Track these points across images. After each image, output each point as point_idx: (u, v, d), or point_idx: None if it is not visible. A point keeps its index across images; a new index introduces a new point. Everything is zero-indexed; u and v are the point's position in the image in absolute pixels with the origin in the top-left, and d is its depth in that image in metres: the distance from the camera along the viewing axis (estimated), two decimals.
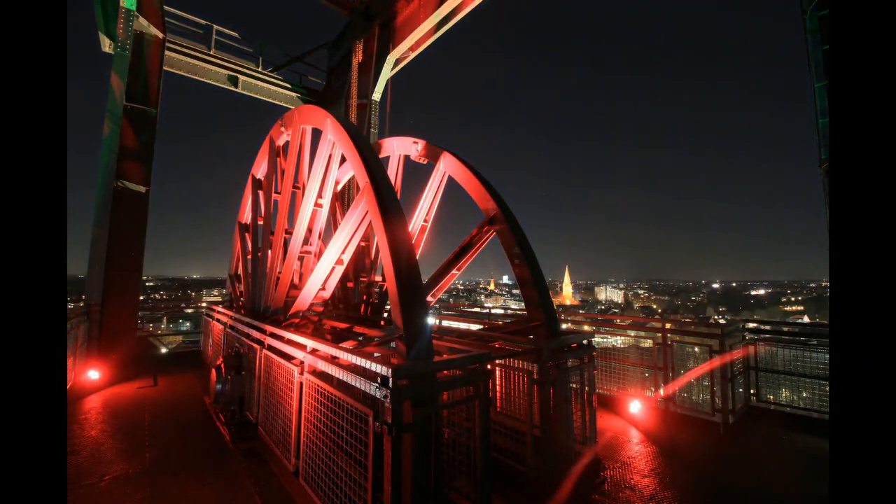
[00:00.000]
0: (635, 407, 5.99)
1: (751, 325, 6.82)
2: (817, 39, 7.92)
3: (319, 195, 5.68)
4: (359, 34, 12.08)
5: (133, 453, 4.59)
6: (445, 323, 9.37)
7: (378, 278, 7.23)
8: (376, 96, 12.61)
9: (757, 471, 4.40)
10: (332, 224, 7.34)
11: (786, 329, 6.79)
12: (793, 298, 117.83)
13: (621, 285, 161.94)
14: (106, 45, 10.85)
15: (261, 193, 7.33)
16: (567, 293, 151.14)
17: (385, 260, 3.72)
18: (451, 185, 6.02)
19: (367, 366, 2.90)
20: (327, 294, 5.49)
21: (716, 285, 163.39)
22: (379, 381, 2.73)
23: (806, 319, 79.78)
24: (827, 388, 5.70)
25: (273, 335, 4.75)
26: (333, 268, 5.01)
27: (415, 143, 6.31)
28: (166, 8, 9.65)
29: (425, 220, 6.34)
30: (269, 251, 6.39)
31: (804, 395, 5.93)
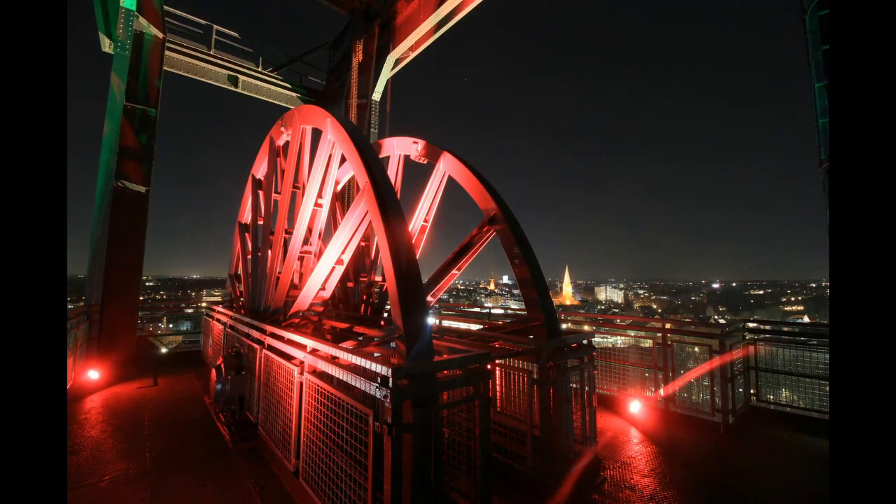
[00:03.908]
0: (635, 407, 5.99)
1: (751, 325, 6.82)
2: (817, 39, 7.93)
3: (319, 195, 5.67)
4: (359, 34, 12.08)
5: (133, 453, 4.59)
6: (445, 323, 9.37)
7: (378, 278, 7.23)
8: (376, 96, 12.62)
9: (757, 471, 4.40)
10: (332, 224, 7.34)
11: (786, 329, 6.78)
12: (793, 298, 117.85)
13: (621, 285, 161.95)
14: (106, 45, 10.86)
15: (261, 193, 7.33)
16: (567, 293, 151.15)
17: (385, 260, 3.72)
18: (451, 185, 6.03)
19: (367, 366, 2.90)
20: (327, 294, 5.48)
21: (716, 285, 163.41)
22: (379, 380, 2.73)
23: (806, 319, 79.79)
24: (827, 388, 5.70)
25: (273, 335, 4.75)
26: (333, 268, 5.01)
27: (415, 143, 6.31)
28: (166, 8, 9.66)
29: (425, 220, 6.34)
30: (269, 251, 6.39)
31: (804, 394, 5.92)
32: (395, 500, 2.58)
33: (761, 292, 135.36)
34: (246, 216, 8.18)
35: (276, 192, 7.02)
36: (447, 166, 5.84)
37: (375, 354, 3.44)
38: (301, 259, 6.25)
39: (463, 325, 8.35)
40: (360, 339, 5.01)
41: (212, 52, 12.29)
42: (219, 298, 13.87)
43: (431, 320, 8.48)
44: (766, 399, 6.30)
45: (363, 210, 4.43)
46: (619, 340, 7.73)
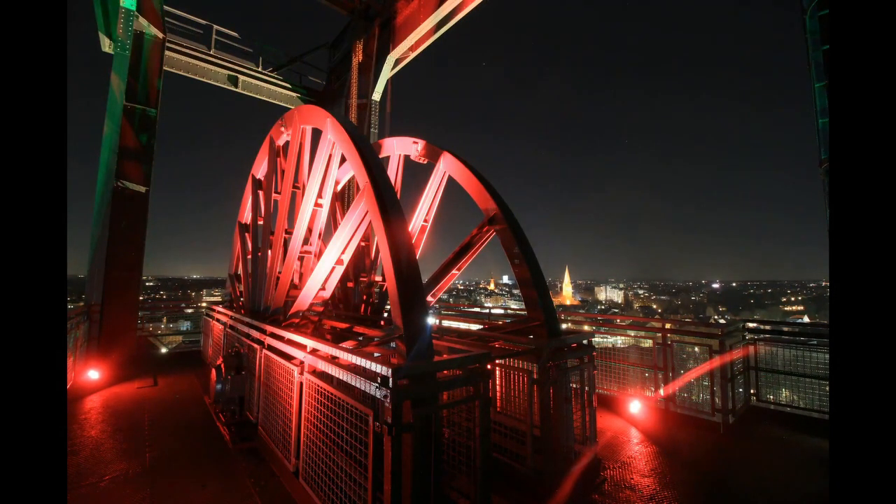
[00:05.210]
0: (635, 407, 5.99)
1: (751, 325, 6.82)
2: (817, 39, 7.93)
3: (319, 195, 5.67)
4: (359, 34, 12.08)
5: (133, 453, 4.58)
6: (445, 323, 9.37)
7: (378, 278, 7.23)
8: (376, 96, 12.62)
9: (757, 471, 4.40)
10: (332, 224, 7.34)
11: (786, 329, 6.78)
12: (793, 298, 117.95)
13: (621, 285, 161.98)
14: (106, 45, 10.86)
15: (261, 193, 7.33)
16: (567, 293, 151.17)
17: (385, 260, 3.72)
18: (451, 185, 6.03)
19: (367, 366, 2.90)
20: (327, 294, 5.49)
21: (716, 285, 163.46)
22: (379, 380, 2.73)
23: (806, 319, 79.79)
24: (827, 388, 5.70)
25: (273, 335, 4.75)
26: (333, 268, 5.01)
27: (415, 143, 6.31)
28: (166, 8, 9.66)
29: (425, 220, 6.34)
30: (269, 251, 6.39)
31: (804, 394, 5.93)
32: (395, 500, 2.58)
33: (761, 292, 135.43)
34: (246, 216, 8.18)
35: (276, 192, 7.02)
36: (447, 166, 5.84)
37: (375, 354, 3.44)
38: (301, 259, 6.26)
39: (463, 325, 8.35)
40: (360, 339, 5.01)
41: (212, 52, 12.29)
42: (219, 298, 13.88)
43: (431, 320, 8.48)
44: (766, 399, 6.30)
45: (363, 210, 4.43)
46: (619, 340, 7.73)
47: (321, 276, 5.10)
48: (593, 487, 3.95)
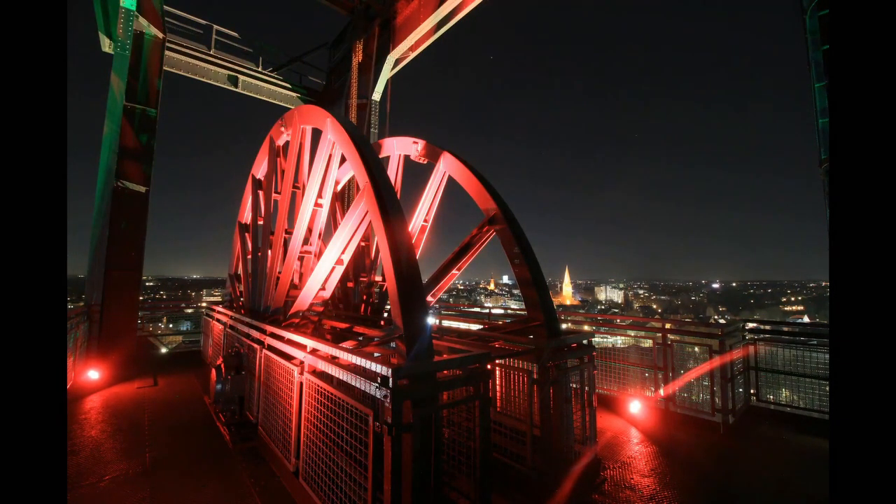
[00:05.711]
0: (635, 407, 5.99)
1: (751, 325, 6.82)
2: (817, 39, 7.93)
3: (319, 195, 5.67)
4: (359, 34, 12.08)
5: (133, 453, 4.59)
6: (445, 323, 9.36)
7: (378, 278, 7.23)
8: (376, 96, 12.62)
9: (757, 471, 4.40)
10: (332, 224, 7.34)
11: (786, 329, 6.79)
12: (793, 298, 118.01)
13: (621, 285, 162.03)
14: (106, 45, 10.86)
15: (261, 193, 7.33)
16: (567, 293, 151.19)
17: (385, 260, 3.72)
18: (451, 185, 6.02)
19: (367, 366, 2.90)
20: (327, 294, 5.48)
21: (716, 285, 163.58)
22: (379, 380, 2.73)
23: (806, 319, 79.82)
24: (827, 388, 5.70)
25: (273, 335, 4.75)
26: (333, 268, 5.01)
27: (415, 143, 6.31)
28: (166, 8, 9.66)
29: (425, 220, 6.34)
30: (269, 251, 6.39)
31: (804, 394, 5.93)
32: (395, 500, 2.58)
33: (761, 292, 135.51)
34: (246, 216, 8.18)
35: (276, 192, 7.02)
36: (447, 166, 5.84)
37: (375, 354, 3.44)
38: (301, 259, 6.25)
39: (463, 325, 8.34)
40: (360, 339, 5.00)
41: (212, 52, 12.29)
42: (219, 298, 13.88)
43: (431, 320, 8.48)
44: (766, 399, 6.30)
45: (363, 210, 4.43)
46: (619, 340, 7.73)
47: (321, 276, 5.10)
48: (593, 487, 3.95)
